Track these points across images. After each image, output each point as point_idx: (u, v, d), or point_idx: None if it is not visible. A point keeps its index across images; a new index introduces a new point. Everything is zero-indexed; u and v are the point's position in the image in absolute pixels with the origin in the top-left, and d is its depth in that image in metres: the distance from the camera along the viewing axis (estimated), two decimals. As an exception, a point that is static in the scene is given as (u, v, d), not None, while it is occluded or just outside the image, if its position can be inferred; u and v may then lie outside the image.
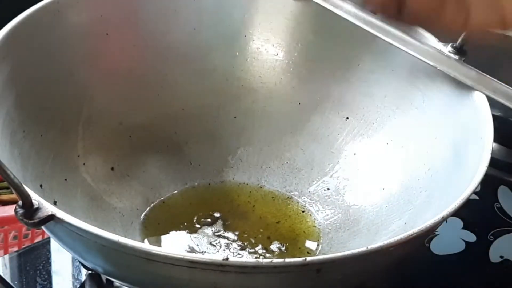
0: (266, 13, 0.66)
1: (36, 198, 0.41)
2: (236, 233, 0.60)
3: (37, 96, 0.56)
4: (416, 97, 0.60)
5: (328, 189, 0.63)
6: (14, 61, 0.54)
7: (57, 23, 0.58)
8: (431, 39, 0.59)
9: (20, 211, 0.41)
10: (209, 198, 0.63)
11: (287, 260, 0.41)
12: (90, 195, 0.59)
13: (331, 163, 0.64)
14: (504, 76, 0.60)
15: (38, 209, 0.41)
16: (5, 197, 1.01)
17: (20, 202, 0.41)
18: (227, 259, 0.40)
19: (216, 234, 0.60)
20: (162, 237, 0.60)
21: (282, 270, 0.41)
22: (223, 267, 0.40)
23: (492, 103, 0.54)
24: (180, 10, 0.64)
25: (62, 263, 0.62)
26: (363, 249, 0.41)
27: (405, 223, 0.55)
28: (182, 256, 0.40)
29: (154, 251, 0.40)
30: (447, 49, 0.58)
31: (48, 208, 0.41)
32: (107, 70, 0.62)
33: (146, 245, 0.41)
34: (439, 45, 0.59)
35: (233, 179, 0.65)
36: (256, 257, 0.58)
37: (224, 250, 0.59)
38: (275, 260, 0.41)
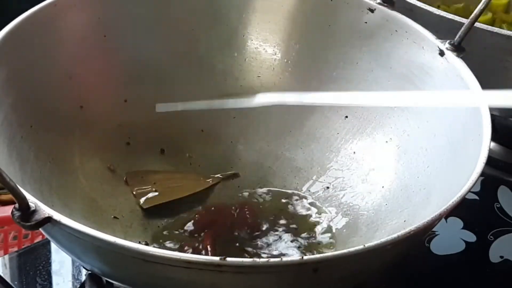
0: (264, 13, 0.66)
1: (32, 201, 0.41)
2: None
3: (35, 99, 0.56)
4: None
5: (328, 188, 0.63)
6: (11, 64, 0.54)
7: (55, 26, 0.58)
8: (429, 36, 0.59)
9: (17, 213, 0.41)
10: (209, 198, 0.63)
11: (284, 259, 0.41)
12: (89, 197, 0.59)
13: (330, 162, 0.64)
14: (505, 76, 0.60)
15: (35, 211, 0.41)
16: (5, 197, 1.01)
17: (16, 205, 0.41)
18: (224, 259, 0.40)
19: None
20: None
21: (279, 270, 0.41)
22: (220, 267, 0.40)
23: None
24: (177, 11, 0.64)
25: (62, 263, 0.61)
26: (360, 247, 0.41)
27: (404, 221, 0.55)
28: (179, 257, 0.40)
29: (151, 252, 0.40)
30: (444, 46, 0.58)
31: (45, 210, 0.41)
32: (105, 72, 0.62)
33: (142, 246, 0.41)
34: (437, 42, 0.59)
35: (232, 179, 0.65)
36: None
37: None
38: (272, 260, 0.40)
